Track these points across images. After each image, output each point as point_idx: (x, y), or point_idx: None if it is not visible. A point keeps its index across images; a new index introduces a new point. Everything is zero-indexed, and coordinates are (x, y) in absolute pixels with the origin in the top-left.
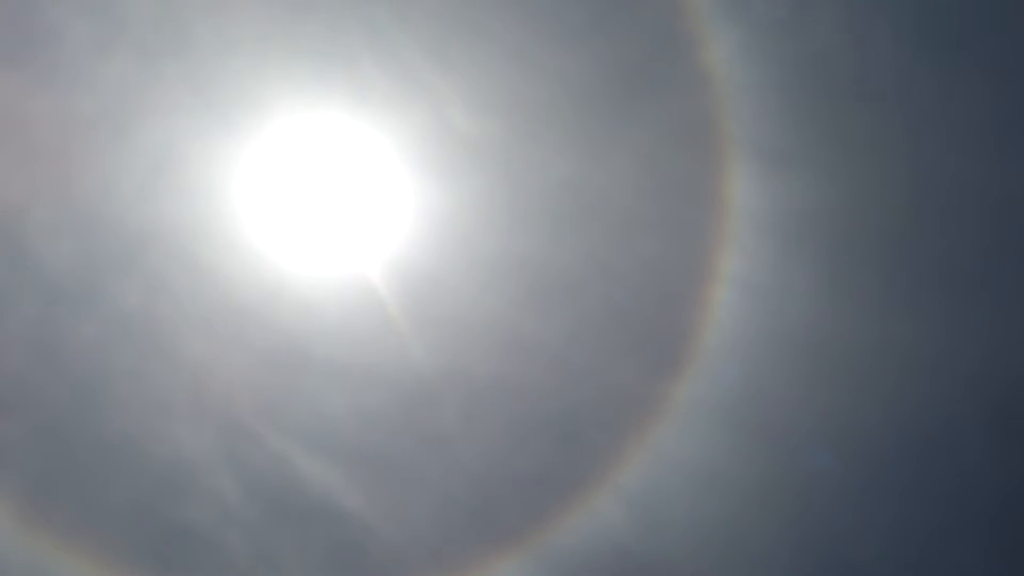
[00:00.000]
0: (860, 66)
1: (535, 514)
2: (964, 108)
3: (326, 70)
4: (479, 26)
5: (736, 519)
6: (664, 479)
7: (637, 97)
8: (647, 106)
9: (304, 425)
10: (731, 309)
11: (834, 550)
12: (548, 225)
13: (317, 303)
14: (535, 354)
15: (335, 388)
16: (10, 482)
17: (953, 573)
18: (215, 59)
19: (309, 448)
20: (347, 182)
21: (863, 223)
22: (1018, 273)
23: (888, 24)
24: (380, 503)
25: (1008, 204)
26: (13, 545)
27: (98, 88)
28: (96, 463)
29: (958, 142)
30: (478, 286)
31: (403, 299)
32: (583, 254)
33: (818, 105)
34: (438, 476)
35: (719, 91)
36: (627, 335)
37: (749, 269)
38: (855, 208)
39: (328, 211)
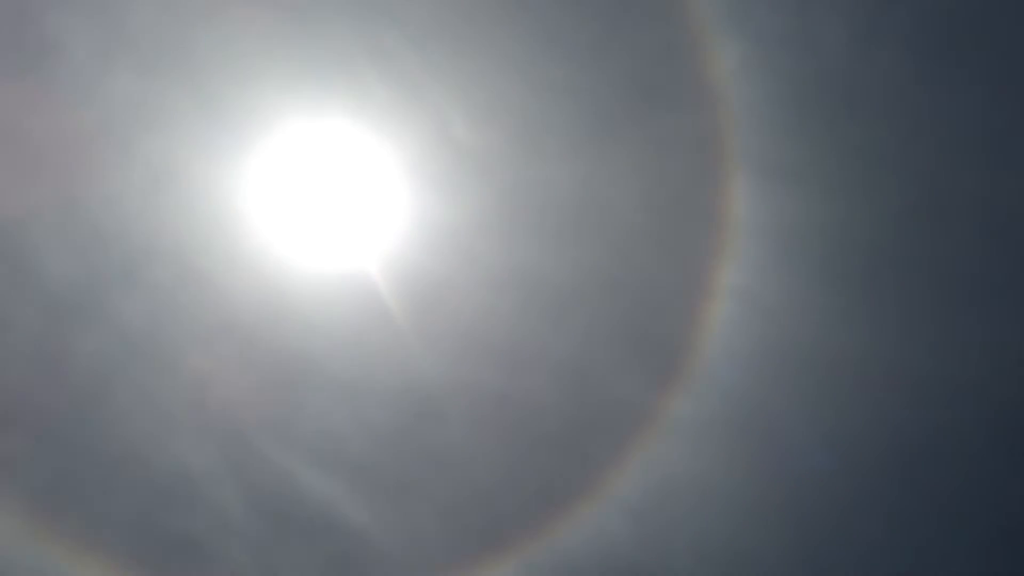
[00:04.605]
0: (863, 79)
1: (537, 526)
2: (968, 122)
3: (329, 83)
4: (482, 39)
5: (738, 532)
6: (667, 492)
7: (639, 109)
8: (649, 118)
9: (308, 438)
10: (733, 322)
11: (836, 562)
12: (553, 237)
13: (320, 315)
14: (537, 367)
15: (338, 401)
16: (14, 494)
17: None
18: (217, 72)
19: (312, 461)
20: (351, 195)
21: (865, 237)
22: (1020, 287)
23: (892, 37)
24: (383, 517)
25: (1011, 218)
26: (17, 557)
27: (100, 100)
28: (99, 476)
29: (962, 156)
30: (481, 298)
31: (407, 312)
32: (585, 266)
33: (821, 118)
34: (441, 489)
35: (722, 104)
36: (629, 348)
37: (751, 282)
38: (857, 222)
39: (332, 224)
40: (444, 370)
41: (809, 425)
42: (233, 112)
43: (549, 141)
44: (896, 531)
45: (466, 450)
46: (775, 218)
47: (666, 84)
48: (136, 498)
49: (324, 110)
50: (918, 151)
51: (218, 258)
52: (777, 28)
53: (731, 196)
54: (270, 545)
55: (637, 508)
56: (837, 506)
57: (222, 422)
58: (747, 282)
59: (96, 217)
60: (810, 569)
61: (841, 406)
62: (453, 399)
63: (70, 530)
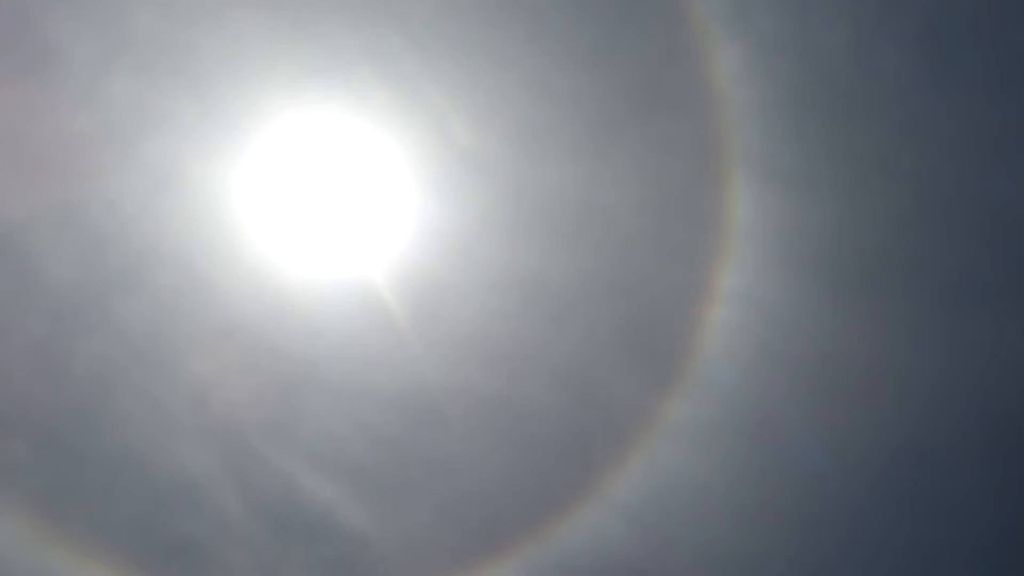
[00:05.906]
0: (864, 83)
1: (537, 529)
2: (969, 124)
3: (330, 85)
4: (482, 41)
5: (738, 534)
6: (666, 494)
7: (640, 112)
8: (650, 121)
9: (309, 442)
10: (733, 325)
11: (836, 563)
12: (553, 240)
13: (322, 319)
14: (537, 370)
15: (338, 405)
16: (15, 496)
17: None
18: (218, 75)
19: (313, 465)
20: (352, 198)
21: (865, 240)
22: (1019, 290)
23: (892, 41)
24: (384, 520)
25: (1011, 222)
26: (18, 560)
27: (102, 103)
28: (100, 479)
29: (963, 158)
30: (482, 301)
31: (408, 315)
32: (585, 270)
33: (821, 122)
34: (441, 493)
35: (723, 107)
36: (629, 351)
37: (751, 286)
38: (857, 225)
39: (333, 228)
40: (444, 373)
41: (808, 428)
42: (233, 115)
43: (550, 144)
44: (895, 531)
45: (467, 453)
46: (775, 221)
47: (667, 87)
48: (137, 501)
49: (325, 113)
50: (918, 155)
51: (219, 262)
52: (777, 32)
53: (731, 199)
54: (271, 548)
55: (637, 510)
56: (837, 507)
57: (223, 425)
58: (747, 285)
59: (97, 220)
60: (810, 570)
61: (840, 409)
62: (453, 402)
63: (71, 533)
